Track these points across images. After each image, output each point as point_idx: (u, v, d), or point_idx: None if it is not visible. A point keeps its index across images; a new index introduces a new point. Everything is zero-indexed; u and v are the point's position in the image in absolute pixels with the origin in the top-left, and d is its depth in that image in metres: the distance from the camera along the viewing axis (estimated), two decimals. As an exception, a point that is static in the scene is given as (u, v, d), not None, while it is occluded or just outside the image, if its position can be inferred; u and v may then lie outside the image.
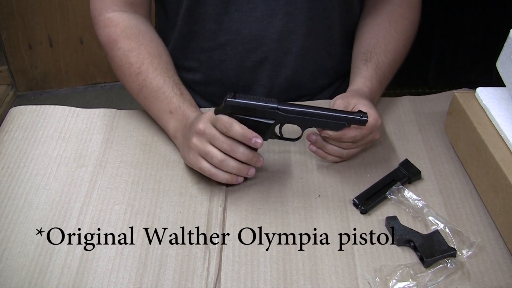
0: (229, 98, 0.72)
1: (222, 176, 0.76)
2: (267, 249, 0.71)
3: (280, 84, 1.00)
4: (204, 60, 0.99)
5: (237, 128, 0.72)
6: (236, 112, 0.72)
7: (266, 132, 0.75)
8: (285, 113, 0.73)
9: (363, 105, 0.80)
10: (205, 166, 0.76)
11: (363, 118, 0.75)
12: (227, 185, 0.79)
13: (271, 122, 0.74)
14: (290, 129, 0.81)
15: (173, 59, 0.95)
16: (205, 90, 1.05)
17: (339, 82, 1.08)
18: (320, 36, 0.96)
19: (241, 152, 0.74)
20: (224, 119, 0.72)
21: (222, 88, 1.02)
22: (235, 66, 0.98)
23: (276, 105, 0.73)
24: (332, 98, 0.86)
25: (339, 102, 0.81)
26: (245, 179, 0.79)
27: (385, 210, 0.77)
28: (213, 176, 0.76)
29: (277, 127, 0.76)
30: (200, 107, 1.06)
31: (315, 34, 0.95)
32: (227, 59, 0.97)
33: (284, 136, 0.78)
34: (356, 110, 0.77)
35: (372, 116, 0.79)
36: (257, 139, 0.72)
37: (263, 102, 0.73)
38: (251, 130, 0.72)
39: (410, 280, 0.66)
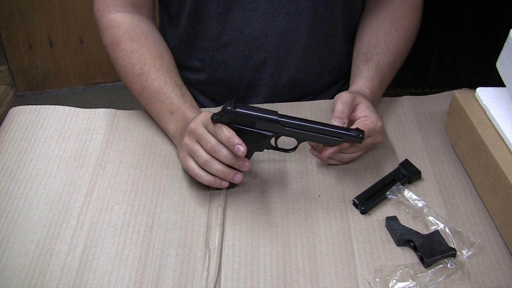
0: (229, 107, 0.70)
1: (205, 178, 0.75)
2: (267, 249, 0.71)
3: (283, 83, 1.00)
4: (208, 60, 1.00)
5: (225, 131, 0.71)
6: (234, 122, 0.71)
7: (263, 143, 0.74)
8: (284, 126, 0.73)
9: (365, 107, 0.81)
10: (191, 165, 0.76)
11: (360, 136, 0.76)
12: (227, 185, 0.79)
13: (270, 134, 0.73)
14: (285, 140, 0.81)
15: (177, 59, 0.95)
16: (209, 90, 1.05)
17: (343, 82, 1.08)
18: (323, 34, 0.96)
19: (224, 154, 0.72)
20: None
21: (226, 88, 1.02)
22: (238, 66, 0.98)
23: (276, 118, 0.72)
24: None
25: (345, 96, 0.81)
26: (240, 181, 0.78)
27: (385, 210, 0.77)
28: (196, 177, 0.76)
29: (272, 138, 0.76)
30: (204, 106, 1.07)
31: (318, 32, 0.95)
32: (230, 58, 0.97)
33: (279, 147, 0.78)
34: (357, 113, 0.78)
35: (371, 119, 0.79)
36: (240, 147, 0.70)
37: (263, 114, 0.72)
38: (238, 137, 0.70)
39: (410, 280, 0.66)
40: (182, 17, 0.96)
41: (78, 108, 0.95)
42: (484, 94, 0.81)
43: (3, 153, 0.86)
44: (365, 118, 0.80)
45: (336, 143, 0.76)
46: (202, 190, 0.79)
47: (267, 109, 0.72)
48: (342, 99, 0.80)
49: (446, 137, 0.88)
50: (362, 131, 0.76)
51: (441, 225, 0.73)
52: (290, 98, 1.01)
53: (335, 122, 0.77)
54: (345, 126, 0.77)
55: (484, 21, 2.06)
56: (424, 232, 0.73)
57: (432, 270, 0.68)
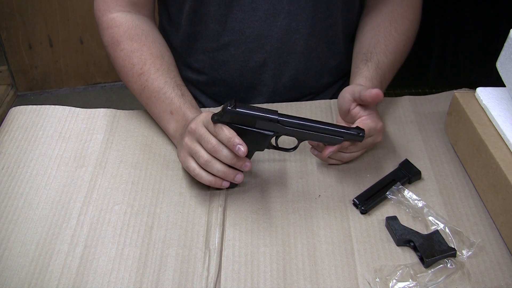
0: (229, 107, 0.70)
1: (205, 178, 0.75)
2: (267, 249, 0.71)
3: (284, 84, 1.00)
4: (208, 60, 1.00)
5: (226, 132, 0.71)
6: (235, 122, 0.71)
7: (264, 143, 0.74)
8: (285, 126, 0.73)
9: (367, 106, 0.80)
10: (191, 165, 0.76)
11: (360, 135, 0.76)
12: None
13: (270, 133, 0.73)
14: (286, 139, 0.81)
15: (177, 60, 0.95)
16: (210, 90, 1.05)
17: (342, 81, 1.08)
18: (323, 34, 0.96)
19: (225, 154, 0.72)
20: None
21: (227, 88, 1.02)
22: (238, 66, 0.98)
23: (276, 117, 0.72)
24: (335, 97, 0.86)
25: (350, 90, 0.81)
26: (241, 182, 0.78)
27: (385, 210, 0.77)
28: (197, 177, 0.76)
29: (273, 138, 0.76)
30: (204, 106, 1.07)
31: (318, 32, 0.95)
32: (231, 59, 0.97)
33: (279, 146, 0.78)
34: (358, 116, 0.78)
35: (371, 118, 0.79)
36: (240, 147, 0.70)
37: (263, 113, 0.72)
38: (239, 137, 0.70)
39: (410, 280, 0.66)
40: (182, 18, 0.96)
41: (78, 108, 0.95)
42: (484, 94, 0.81)
43: (3, 153, 0.86)
44: (366, 117, 0.80)
45: (336, 142, 0.76)
46: (202, 190, 0.79)
47: (267, 109, 0.72)
48: (349, 92, 0.81)
49: (446, 137, 0.88)
50: (363, 130, 0.76)
51: (441, 225, 0.73)
52: (291, 98, 1.01)
53: (374, 91, 0.77)
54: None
55: (484, 21, 2.06)
56: (424, 232, 0.73)
57: (432, 270, 0.68)
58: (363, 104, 0.81)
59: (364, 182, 0.80)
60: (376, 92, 0.77)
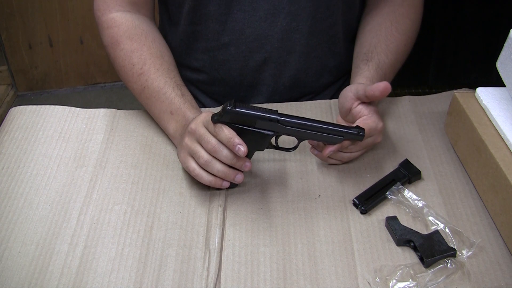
0: (229, 107, 0.70)
1: (205, 178, 0.75)
2: (267, 249, 0.71)
3: (284, 83, 1.00)
4: (208, 60, 1.00)
5: (225, 132, 0.70)
6: (235, 122, 0.71)
7: (264, 143, 0.74)
8: (285, 125, 0.73)
9: (367, 107, 0.81)
10: (191, 165, 0.76)
11: (360, 134, 0.76)
12: (227, 185, 0.79)
13: (270, 133, 0.73)
14: (285, 139, 0.81)
15: (177, 59, 0.95)
16: (210, 89, 1.05)
17: (342, 80, 1.08)
18: (324, 34, 0.96)
19: (225, 155, 0.72)
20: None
21: (227, 88, 1.03)
22: (239, 66, 0.98)
23: (276, 117, 0.72)
24: (335, 97, 0.86)
25: (353, 89, 0.82)
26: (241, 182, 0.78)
27: (385, 210, 0.77)
28: (197, 177, 0.76)
29: (273, 137, 0.76)
30: (205, 106, 1.07)
31: (318, 32, 0.95)
32: (231, 59, 0.97)
33: (279, 146, 0.78)
34: (358, 116, 0.78)
35: (372, 119, 0.79)
36: (240, 147, 0.70)
37: (263, 113, 0.71)
38: (239, 137, 0.70)
39: (410, 280, 0.66)
40: (182, 17, 0.96)
41: (78, 108, 0.95)
42: (484, 94, 0.81)
43: (3, 153, 0.86)
44: (366, 117, 0.80)
45: (336, 141, 0.76)
46: (202, 190, 0.79)
47: (267, 109, 0.72)
48: (352, 92, 0.82)
49: (446, 137, 0.88)
50: (363, 129, 0.76)
51: (441, 225, 0.73)
52: (290, 97, 1.01)
53: (382, 84, 0.77)
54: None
55: (484, 21, 2.06)
56: (424, 232, 0.73)
57: (432, 270, 0.68)
58: (368, 100, 0.80)
59: (364, 182, 0.80)
60: (384, 85, 0.77)
